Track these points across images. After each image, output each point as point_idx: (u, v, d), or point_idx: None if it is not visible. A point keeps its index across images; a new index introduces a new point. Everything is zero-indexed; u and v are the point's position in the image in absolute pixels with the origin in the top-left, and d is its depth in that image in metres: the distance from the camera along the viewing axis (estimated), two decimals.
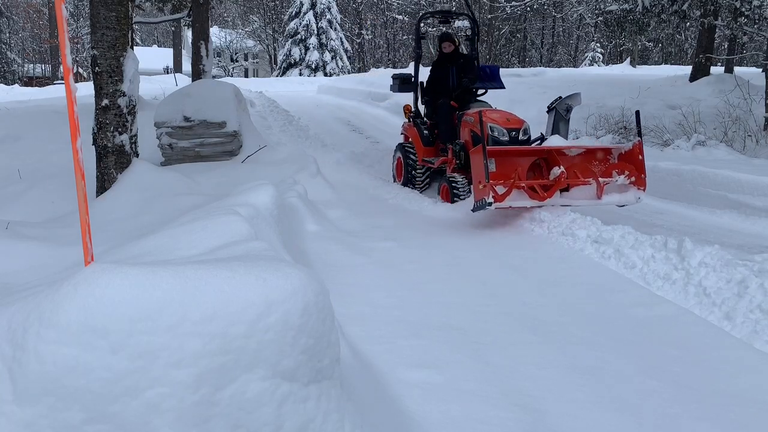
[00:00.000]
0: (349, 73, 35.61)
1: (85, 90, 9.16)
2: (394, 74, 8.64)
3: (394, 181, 8.41)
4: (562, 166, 5.72)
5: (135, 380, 1.69)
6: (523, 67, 30.65)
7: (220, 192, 5.76)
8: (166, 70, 32.75)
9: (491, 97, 8.23)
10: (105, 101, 6.16)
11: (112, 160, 6.26)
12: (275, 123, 13.21)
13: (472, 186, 6.00)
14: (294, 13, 39.14)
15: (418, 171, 7.80)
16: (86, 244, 1.95)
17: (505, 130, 6.42)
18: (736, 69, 16.63)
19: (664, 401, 2.78)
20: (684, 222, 6.19)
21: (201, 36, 13.32)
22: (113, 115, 6.20)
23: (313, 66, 38.00)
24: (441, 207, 6.60)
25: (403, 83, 8.28)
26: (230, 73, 46.35)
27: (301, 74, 36.79)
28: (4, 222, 4.79)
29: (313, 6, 38.40)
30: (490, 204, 5.34)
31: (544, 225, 5.44)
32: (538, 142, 6.50)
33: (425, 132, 7.81)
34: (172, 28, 31.03)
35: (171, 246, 2.83)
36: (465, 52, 8.56)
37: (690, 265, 4.10)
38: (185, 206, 5.12)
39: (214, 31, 42.68)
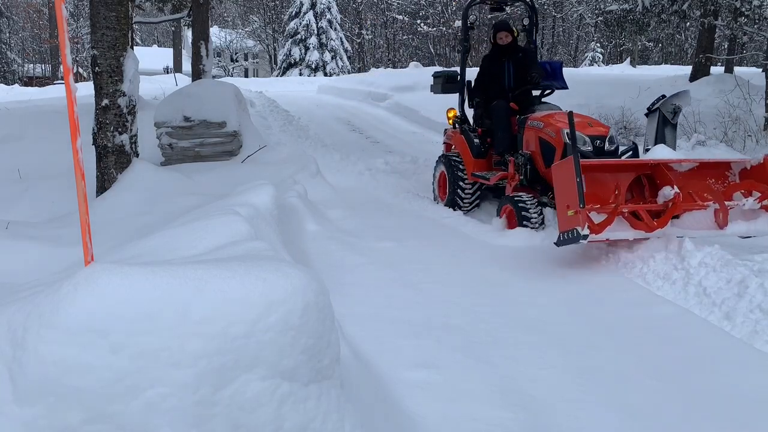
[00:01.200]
0: (349, 73, 35.60)
1: (85, 90, 9.16)
2: (435, 72, 7.51)
3: (436, 200, 7.18)
4: (675, 186, 4.55)
5: (135, 380, 1.69)
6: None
7: (220, 192, 5.76)
8: (166, 70, 32.73)
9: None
10: (105, 101, 6.15)
11: (112, 160, 6.25)
12: (275, 123, 13.21)
13: (548, 210, 5.28)
14: (294, 13, 39.13)
15: (466, 188, 6.63)
16: (86, 244, 1.95)
17: (587, 138, 5.24)
18: (736, 69, 16.63)
19: (664, 401, 2.78)
20: None
21: (201, 36, 13.31)
22: (113, 115, 6.20)
23: (313, 66, 37.99)
24: (507, 235, 5.41)
25: (447, 82, 7.16)
26: (230, 73, 46.35)
27: (301, 74, 36.79)
28: (4, 222, 4.78)
29: (313, 6, 38.39)
30: (585, 237, 4.16)
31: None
32: (630, 153, 5.53)
33: (476, 141, 6.59)
34: (172, 28, 31.03)
35: (171, 246, 2.83)
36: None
37: (690, 265, 4.10)
38: (185, 206, 5.12)
39: (214, 31, 42.68)
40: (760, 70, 16.45)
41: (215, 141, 8.21)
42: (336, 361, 2.02)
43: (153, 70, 31.39)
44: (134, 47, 13.33)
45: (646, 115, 5.91)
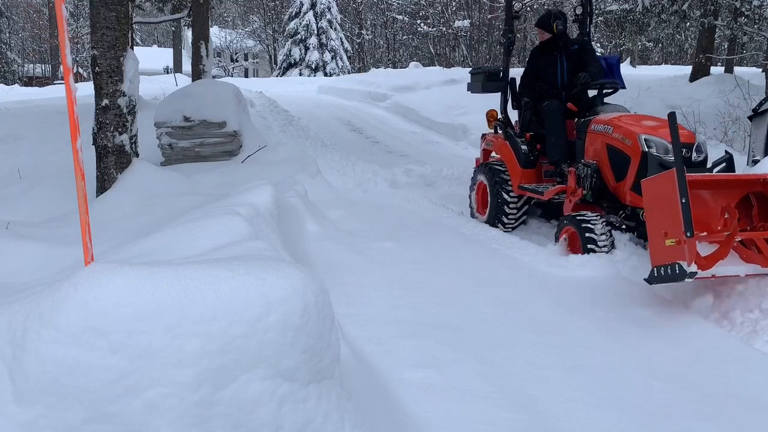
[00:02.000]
0: (349, 73, 35.60)
1: (85, 90, 9.16)
2: (474, 69, 6.76)
3: (473, 216, 6.39)
4: None
5: (135, 380, 1.69)
6: (523, 67, 30.61)
7: (220, 192, 5.76)
8: (166, 70, 32.73)
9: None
10: (105, 101, 6.15)
11: (112, 160, 6.25)
12: (275, 123, 13.21)
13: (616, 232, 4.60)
14: (294, 13, 39.14)
15: (511, 203, 5.81)
16: (86, 244, 1.95)
17: (670, 146, 4.26)
18: (736, 69, 16.63)
19: (664, 401, 2.78)
20: None
21: (201, 36, 13.32)
22: (113, 115, 6.20)
23: (313, 66, 38.00)
24: (568, 262, 4.54)
25: (489, 80, 6.31)
26: (230, 73, 46.35)
27: (301, 74, 36.80)
28: (4, 222, 4.78)
29: (313, 6, 38.40)
30: (692, 275, 3.35)
31: None
32: (723, 165, 4.65)
33: (523, 147, 5.77)
34: (172, 28, 31.03)
35: (171, 246, 2.83)
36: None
37: None
38: (185, 206, 5.12)
39: (214, 31, 42.69)
40: (760, 70, 16.45)
41: (215, 141, 8.21)
42: (336, 361, 2.02)
43: (153, 70, 31.38)
44: (134, 47, 13.33)
45: (750, 118, 5.00)
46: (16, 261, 3.99)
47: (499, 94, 6.36)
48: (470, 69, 7.05)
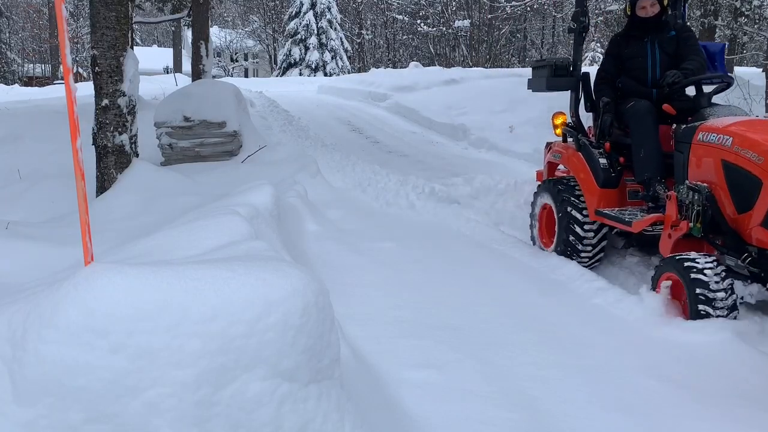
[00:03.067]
0: (349, 73, 35.60)
1: (85, 90, 9.15)
2: (536, 61, 5.55)
3: (535, 243, 5.25)
4: None
5: (135, 380, 1.69)
6: (523, 67, 30.66)
7: (220, 192, 5.75)
8: (166, 70, 32.73)
9: None
10: (105, 101, 6.15)
11: (112, 160, 6.25)
12: (275, 123, 13.21)
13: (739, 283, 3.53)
14: (294, 13, 39.15)
15: (587, 232, 4.60)
16: (86, 244, 1.95)
17: None
18: (736, 69, 16.62)
19: (664, 401, 2.78)
20: None
21: (201, 36, 13.32)
22: (113, 115, 6.20)
23: (313, 66, 38.00)
24: (672, 324, 3.46)
25: (556, 74, 5.03)
26: (230, 73, 46.35)
27: (301, 74, 36.80)
28: (4, 222, 4.78)
29: (313, 6, 38.41)
30: None
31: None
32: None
33: (602, 161, 4.53)
34: (172, 28, 31.03)
35: (171, 246, 2.83)
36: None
37: None
38: (185, 206, 5.12)
39: (214, 31, 42.69)
40: (760, 70, 16.45)
41: (215, 141, 8.21)
42: (336, 361, 2.02)
43: (153, 70, 31.39)
44: (134, 47, 13.33)
45: None
46: (16, 261, 3.99)
47: (569, 93, 5.14)
48: (532, 62, 6.24)
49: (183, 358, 1.71)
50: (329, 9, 38.87)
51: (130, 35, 7.01)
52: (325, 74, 36.42)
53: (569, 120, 5.19)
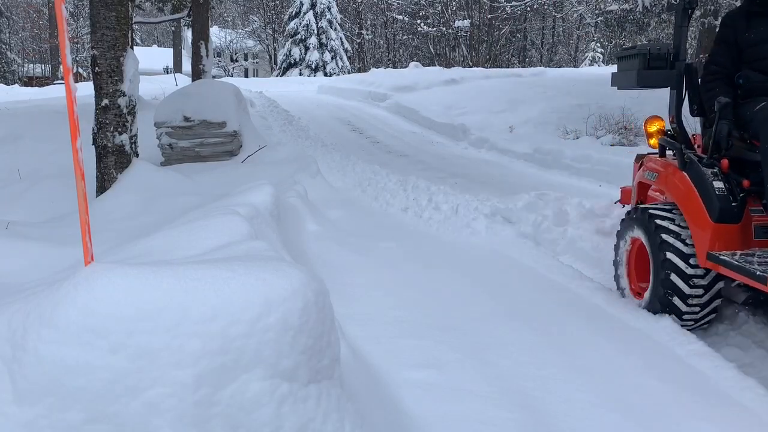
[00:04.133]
0: (349, 73, 35.60)
1: (85, 90, 9.15)
2: (623, 49, 4.64)
3: (621, 291, 4.01)
4: None
5: (135, 380, 1.69)
6: (523, 67, 30.66)
7: (220, 192, 5.75)
8: (166, 70, 32.74)
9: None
10: (105, 101, 6.16)
11: (112, 160, 6.25)
12: (275, 123, 13.22)
13: None
14: (294, 13, 39.14)
15: (695, 288, 3.39)
16: (86, 244, 1.95)
17: None
18: None
19: (665, 401, 2.78)
20: None
21: (201, 36, 13.32)
22: (113, 115, 6.20)
23: (313, 66, 38.00)
24: None
25: (650, 66, 3.89)
26: (230, 73, 46.35)
27: (301, 74, 36.80)
28: (4, 222, 4.78)
29: (313, 6, 38.40)
30: None
31: None
32: None
33: (716, 184, 3.36)
34: (172, 28, 31.03)
35: (171, 246, 2.83)
36: None
37: None
38: (185, 206, 5.12)
39: (214, 31, 42.68)
40: None
41: (215, 141, 8.21)
42: (336, 361, 2.02)
43: (153, 70, 31.40)
44: (134, 47, 13.33)
45: None
46: (16, 261, 3.99)
47: (667, 90, 4.00)
48: (617, 51, 4.78)
49: (183, 358, 1.71)
50: (329, 9, 38.86)
51: (130, 35, 7.01)
52: (325, 74, 36.42)
53: (668, 127, 4.04)
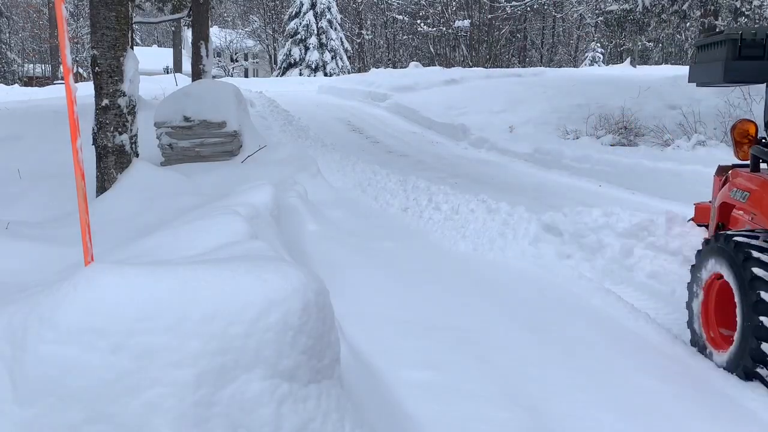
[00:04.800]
0: (349, 73, 35.60)
1: (85, 90, 9.16)
2: (706, 35, 3.97)
3: (695, 342, 3.27)
4: None
5: (135, 380, 1.69)
6: (523, 67, 30.65)
7: (220, 192, 5.75)
8: (166, 70, 32.73)
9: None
10: (105, 101, 6.15)
11: (112, 160, 6.25)
12: (275, 123, 13.22)
13: None
14: (294, 13, 39.13)
15: None
16: (86, 244, 1.95)
17: None
18: None
19: (664, 401, 2.78)
20: None
21: (201, 36, 13.32)
22: (113, 115, 6.19)
23: (313, 66, 37.98)
24: None
25: (742, 56, 3.14)
26: (230, 73, 46.33)
27: (301, 74, 36.79)
28: (4, 222, 4.78)
29: (313, 6, 38.39)
30: None
31: None
32: None
33: None
34: (172, 28, 31.05)
35: (171, 246, 2.83)
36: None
37: None
38: (185, 206, 5.12)
39: (214, 31, 42.67)
40: None
41: (215, 141, 8.21)
42: (336, 361, 2.02)
43: (153, 70, 31.37)
44: (134, 47, 13.33)
45: None
46: (16, 261, 3.99)
47: (763, 87, 3.29)
48: (697, 39, 4.05)
49: (183, 358, 1.71)
50: (329, 9, 38.84)
51: (130, 35, 7.01)
52: (325, 74, 36.41)
53: (762, 134, 3.30)
